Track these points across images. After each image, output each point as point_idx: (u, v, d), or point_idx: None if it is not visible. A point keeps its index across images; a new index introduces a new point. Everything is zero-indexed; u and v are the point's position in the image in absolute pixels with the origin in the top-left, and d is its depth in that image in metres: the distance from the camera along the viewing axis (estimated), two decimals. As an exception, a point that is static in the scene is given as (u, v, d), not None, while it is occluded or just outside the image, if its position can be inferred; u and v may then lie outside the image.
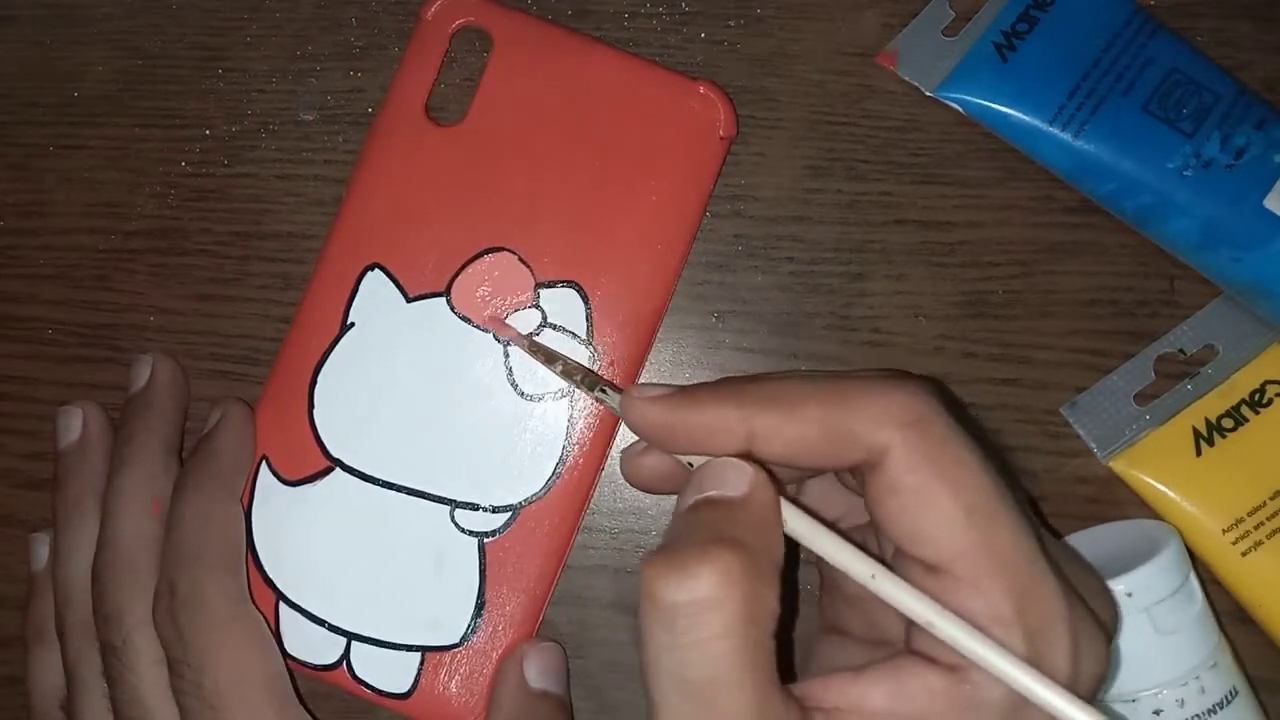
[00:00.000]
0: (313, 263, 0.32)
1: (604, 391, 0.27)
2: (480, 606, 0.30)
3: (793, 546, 0.23)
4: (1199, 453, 0.30)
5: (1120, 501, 0.31)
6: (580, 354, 0.30)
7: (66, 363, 0.33)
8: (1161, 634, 0.27)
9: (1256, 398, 0.30)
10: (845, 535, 0.22)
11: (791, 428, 0.22)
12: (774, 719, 0.20)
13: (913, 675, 0.21)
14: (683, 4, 0.33)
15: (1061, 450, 0.31)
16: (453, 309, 0.31)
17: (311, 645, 0.30)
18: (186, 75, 0.34)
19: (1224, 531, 0.30)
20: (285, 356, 0.31)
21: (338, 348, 0.31)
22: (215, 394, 0.32)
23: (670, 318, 0.32)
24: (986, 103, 0.31)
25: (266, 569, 0.30)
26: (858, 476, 0.23)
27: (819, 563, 0.26)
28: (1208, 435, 0.30)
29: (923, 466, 0.21)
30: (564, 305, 0.30)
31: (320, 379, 0.31)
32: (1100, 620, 0.22)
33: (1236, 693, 0.28)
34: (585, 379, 0.28)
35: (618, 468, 0.32)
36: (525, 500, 0.30)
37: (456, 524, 0.30)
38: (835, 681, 0.22)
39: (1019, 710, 0.21)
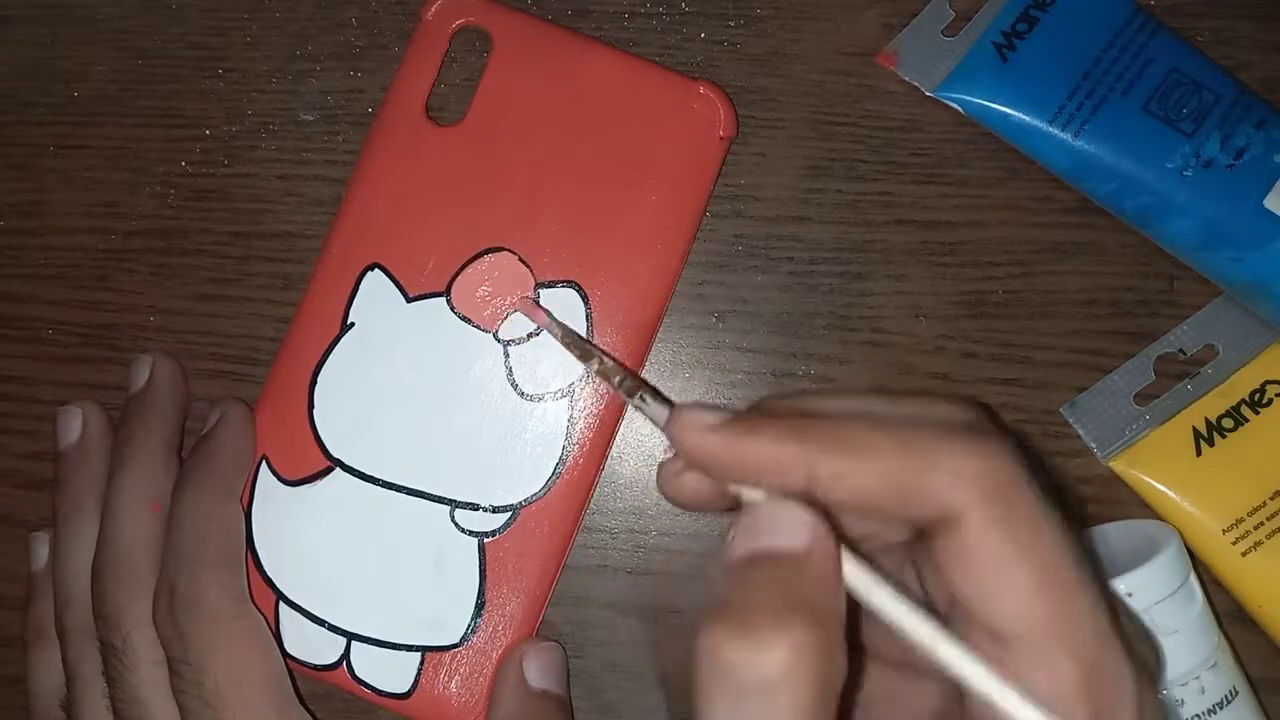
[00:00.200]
0: (313, 263, 0.32)
1: (644, 400, 0.24)
2: (480, 606, 0.30)
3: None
4: (1199, 453, 0.30)
5: (1120, 501, 0.31)
6: None
7: (66, 363, 0.33)
8: (1161, 634, 0.27)
9: (1256, 398, 0.30)
10: (900, 588, 0.21)
11: (859, 475, 0.20)
12: None
13: None
14: (683, 4, 0.33)
15: (1061, 450, 0.31)
16: (453, 309, 0.31)
17: (311, 645, 0.30)
18: (186, 75, 0.34)
19: (1224, 531, 0.30)
20: (285, 356, 0.31)
21: (338, 348, 0.31)
22: (215, 394, 0.32)
23: (670, 318, 0.32)
24: (986, 103, 0.31)
25: (266, 569, 0.30)
26: (920, 527, 0.21)
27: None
28: (1208, 435, 0.30)
29: (1000, 534, 0.19)
30: (564, 305, 0.30)
31: (320, 379, 0.31)
32: (1156, 689, 0.20)
33: (1236, 693, 0.28)
34: (624, 383, 0.25)
35: (617, 468, 0.32)
36: (525, 500, 0.30)
37: (456, 524, 0.30)
38: None
39: None
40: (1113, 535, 0.30)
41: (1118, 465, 0.31)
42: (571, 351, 0.28)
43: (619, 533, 0.32)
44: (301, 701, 0.29)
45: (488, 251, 0.31)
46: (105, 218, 0.33)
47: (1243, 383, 0.30)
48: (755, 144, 0.32)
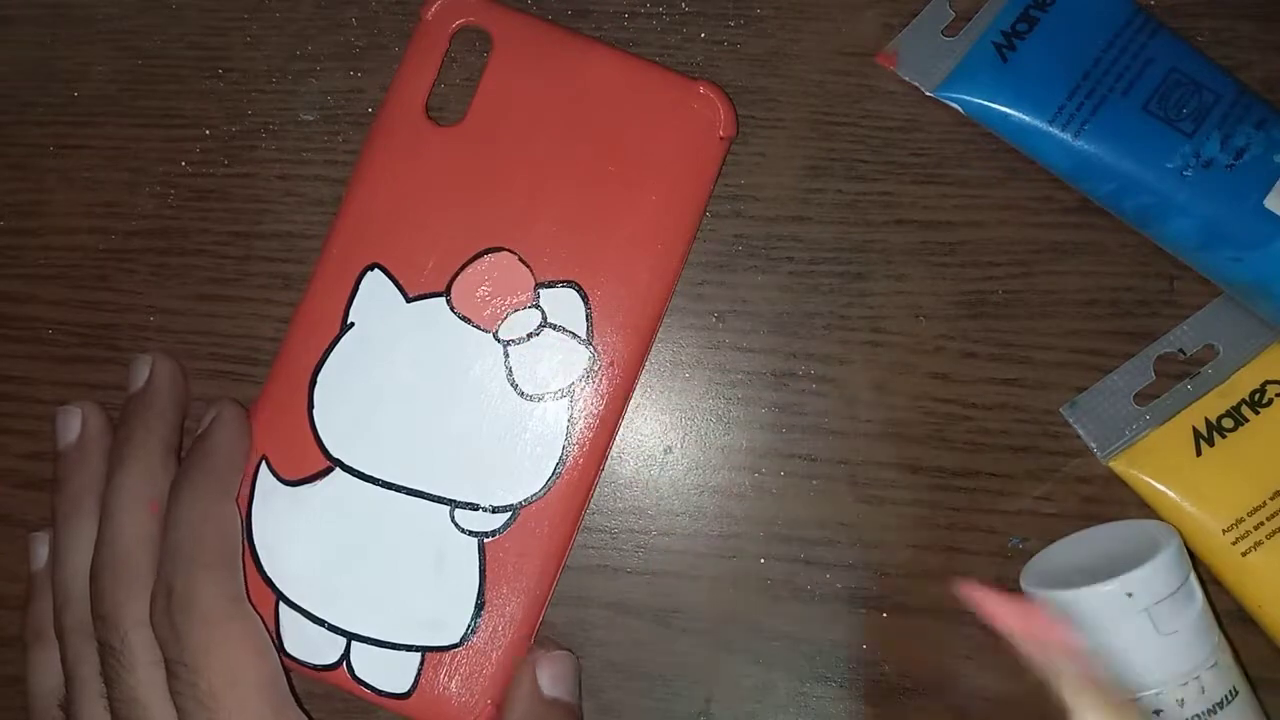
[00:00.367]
0: (313, 263, 0.32)
1: None
2: (480, 607, 0.30)
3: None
4: (1199, 453, 0.30)
5: (1120, 501, 0.31)
6: (580, 354, 0.30)
7: (66, 363, 0.33)
8: (1161, 634, 0.27)
9: (1257, 398, 0.30)
10: None
11: None
12: None
13: None
14: (683, 4, 0.33)
15: (1061, 450, 0.31)
16: (452, 309, 0.31)
17: (311, 645, 0.30)
18: (186, 75, 0.34)
19: (1224, 531, 0.30)
20: (285, 356, 0.31)
21: (337, 347, 0.31)
22: (215, 394, 0.32)
23: (670, 318, 0.32)
24: (986, 103, 0.31)
25: (266, 569, 0.30)
26: None
27: None
28: (1208, 435, 0.30)
29: None
30: (564, 305, 0.30)
31: (320, 379, 0.31)
32: None
33: (1236, 693, 0.28)
34: None
35: (618, 467, 0.32)
36: (525, 500, 0.30)
37: (456, 524, 0.30)
38: None
39: None
40: (1113, 535, 0.30)
41: (1118, 465, 0.31)
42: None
43: (619, 533, 0.32)
44: (299, 702, 0.29)
45: (487, 251, 0.31)
46: (105, 218, 0.33)
47: (1243, 383, 0.30)
48: (755, 144, 0.32)
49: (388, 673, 0.30)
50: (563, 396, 0.30)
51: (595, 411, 0.30)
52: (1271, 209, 0.29)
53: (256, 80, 0.34)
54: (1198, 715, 0.27)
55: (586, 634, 0.32)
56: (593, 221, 0.30)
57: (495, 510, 0.30)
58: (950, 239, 0.32)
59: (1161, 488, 0.30)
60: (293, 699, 0.29)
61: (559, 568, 0.31)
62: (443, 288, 0.31)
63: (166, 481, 0.30)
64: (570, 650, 0.31)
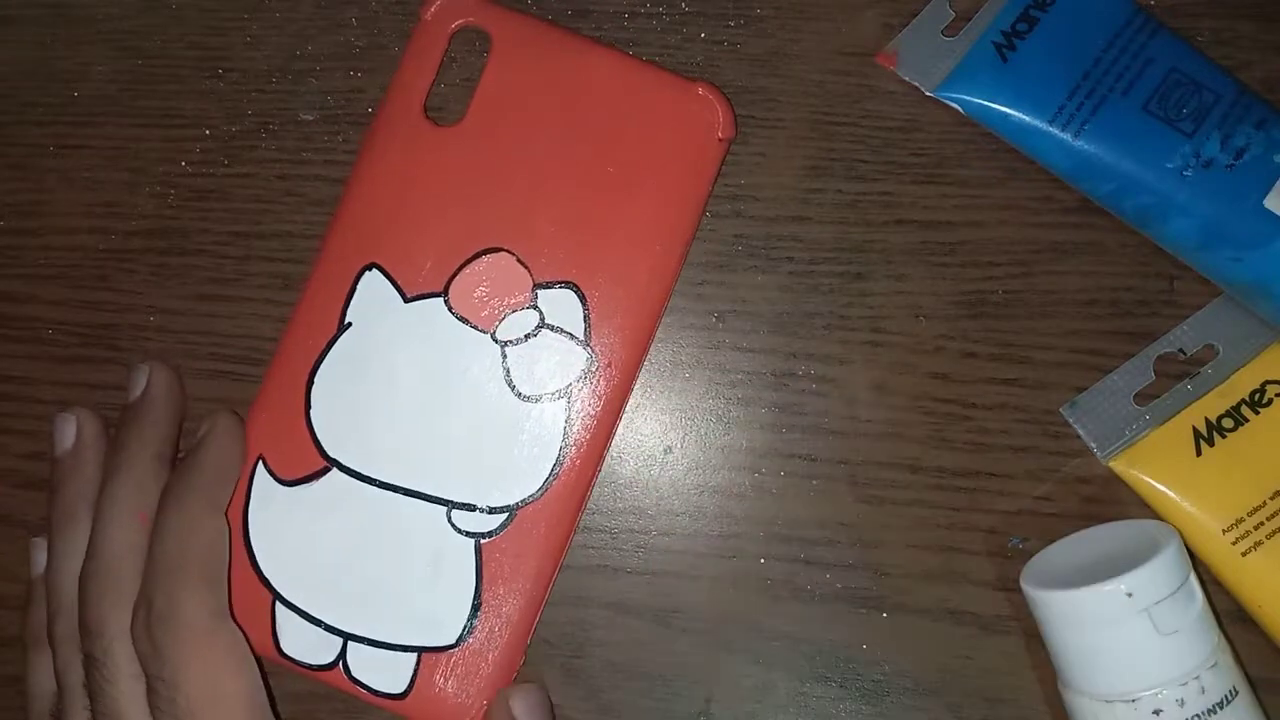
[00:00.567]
0: (312, 263, 0.32)
1: None
2: (477, 607, 0.30)
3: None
4: (1199, 453, 0.30)
5: (1120, 501, 0.31)
6: (578, 355, 0.30)
7: (66, 363, 0.33)
8: (1161, 634, 0.27)
9: (1256, 398, 0.30)
10: None
11: None
12: None
13: None
14: (683, 4, 0.33)
15: (1061, 450, 0.31)
16: (450, 310, 0.31)
17: (308, 645, 0.30)
18: (186, 75, 0.34)
19: (1224, 531, 0.30)
20: (282, 356, 0.31)
21: (335, 348, 0.31)
22: (215, 394, 0.33)
23: (670, 318, 0.32)
24: (986, 103, 0.31)
25: (263, 568, 0.30)
26: None
27: None
28: (1208, 435, 0.30)
29: None
30: (562, 306, 0.30)
31: (317, 379, 0.31)
32: None
33: (1236, 693, 0.28)
34: None
35: (617, 467, 0.32)
36: (522, 501, 0.30)
37: (453, 525, 0.30)
38: None
39: None
40: (1113, 535, 0.30)
41: (1118, 465, 0.31)
42: None
43: (619, 533, 0.32)
44: (278, 718, 0.29)
45: (486, 252, 0.31)
46: (105, 218, 0.34)
47: (1243, 383, 0.30)
48: (755, 144, 0.32)
49: (384, 673, 0.30)
50: (560, 397, 0.30)
51: (593, 413, 0.30)
52: (1271, 209, 0.29)
53: (256, 80, 0.34)
54: (1198, 715, 0.27)
55: (586, 634, 0.32)
56: (591, 222, 0.30)
57: (492, 511, 0.30)
58: (950, 239, 0.32)
59: (1161, 488, 0.30)
60: (273, 715, 0.28)
61: (556, 568, 0.31)
62: (441, 288, 0.31)
63: (157, 492, 0.30)
64: (539, 683, 0.30)
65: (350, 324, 0.31)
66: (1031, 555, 0.30)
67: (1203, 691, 0.27)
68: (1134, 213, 0.31)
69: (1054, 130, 0.30)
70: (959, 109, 0.31)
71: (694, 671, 0.31)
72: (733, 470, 0.32)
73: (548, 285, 0.30)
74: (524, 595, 0.30)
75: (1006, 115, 0.31)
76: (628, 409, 0.32)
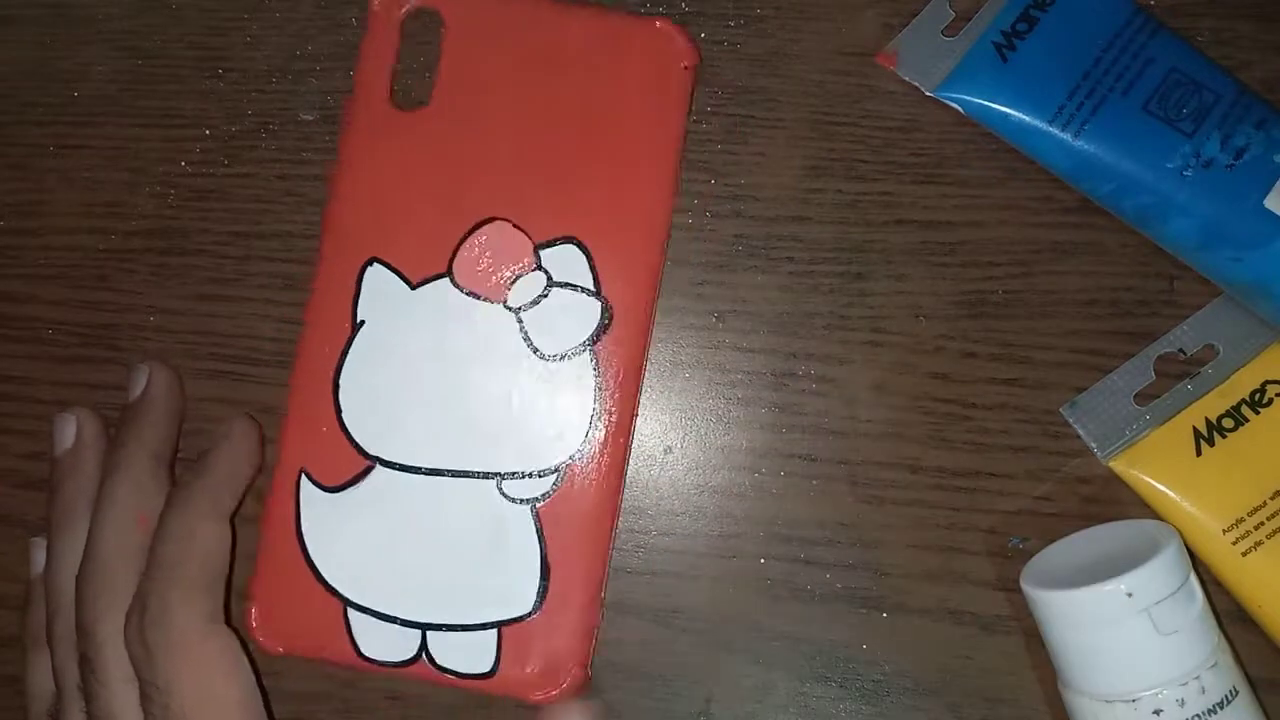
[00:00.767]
0: (312, 263, 0.32)
1: None
2: (546, 571, 0.30)
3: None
4: (1199, 453, 0.30)
5: (1120, 501, 0.31)
6: (592, 306, 0.30)
7: (66, 363, 0.33)
8: (1161, 634, 0.27)
9: (1257, 398, 0.30)
10: None
11: None
12: None
13: None
14: (683, 4, 0.33)
15: (1061, 450, 0.31)
16: (458, 287, 0.31)
17: (387, 644, 0.30)
18: (186, 75, 0.34)
19: (1224, 531, 0.30)
20: (302, 366, 0.31)
21: (353, 348, 0.31)
22: (215, 394, 0.33)
23: (670, 318, 0.32)
24: (986, 103, 0.31)
25: (326, 577, 0.30)
26: None
27: None
28: (1208, 435, 0.30)
29: None
30: (566, 261, 0.31)
31: (342, 381, 0.31)
32: None
33: (1236, 693, 0.28)
34: None
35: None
36: (569, 458, 0.30)
37: (506, 495, 0.30)
38: None
39: None
40: (1113, 535, 0.30)
41: (1118, 465, 0.31)
42: None
43: (619, 532, 0.32)
44: None
45: (481, 224, 0.31)
46: (105, 218, 0.33)
47: (1243, 383, 0.30)
48: (755, 144, 0.32)
49: (468, 655, 0.30)
50: (584, 350, 0.30)
51: (619, 358, 0.30)
52: (1271, 209, 0.29)
53: (256, 80, 0.34)
54: (1198, 715, 0.27)
55: (586, 634, 0.32)
56: (578, 174, 0.31)
57: (541, 474, 0.30)
58: (950, 239, 0.32)
59: (1161, 488, 0.30)
60: None
61: (615, 518, 0.31)
62: (444, 268, 0.31)
63: (156, 493, 0.30)
64: (598, 703, 0.30)
65: (363, 322, 0.31)
66: (1031, 555, 0.30)
67: (1203, 691, 0.27)
68: (1134, 213, 0.31)
69: (1054, 130, 0.30)
70: (959, 109, 0.31)
71: (694, 671, 0.31)
72: (733, 470, 0.32)
73: (549, 244, 0.31)
74: (589, 550, 0.30)
75: (1006, 115, 0.31)
76: (649, 355, 0.32)
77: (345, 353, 0.31)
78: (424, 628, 0.30)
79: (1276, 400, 0.30)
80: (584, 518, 0.30)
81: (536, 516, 0.30)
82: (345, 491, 0.30)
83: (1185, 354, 0.31)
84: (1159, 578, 0.27)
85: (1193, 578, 0.28)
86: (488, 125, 0.31)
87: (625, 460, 0.31)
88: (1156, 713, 0.27)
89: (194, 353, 0.33)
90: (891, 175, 0.32)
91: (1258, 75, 0.32)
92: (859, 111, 0.32)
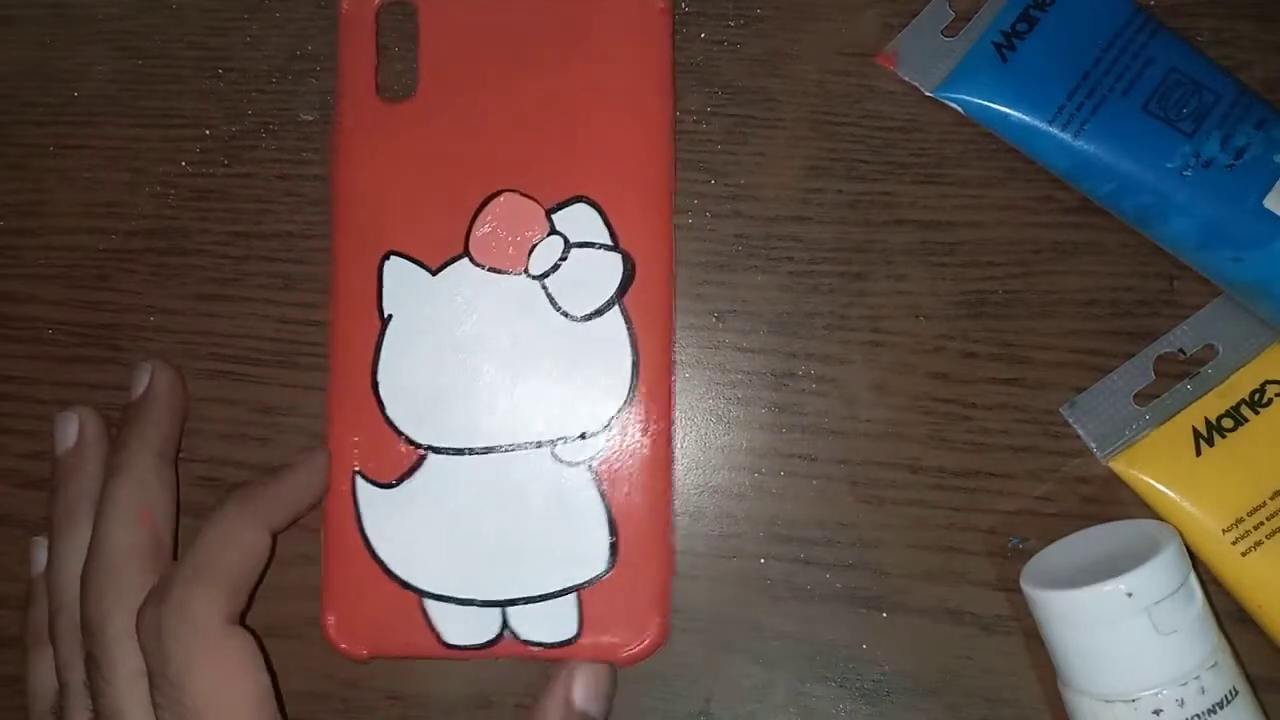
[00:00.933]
0: (313, 262, 0.32)
1: None
2: (613, 528, 0.30)
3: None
4: (1199, 453, 0.30)
5: (1120, 501, 0.31)
6: (613, 261, 0.31)
7: (66, 363, 0.33)
8: (1161, 634, 0.27)
9: (1256, 398, 0.30)
10: None
11: None
12: None
13: None
14: (683, 4, 0.33)
15: (1061, 450, 0.31)
16: (478, 265, 0.31)
17: (470, 628, 0.30)
18: (186, 75, 0.34)
19: (1224, 531, 0.30)
20: (338, 370, 0.31)
21: (385, 343, 0.31)
22: (215, 394, 0.33)
23: (670, 318, 0.32)
24: (986, 103, 0.31)
25: (398, 572, 0.30)
26: None
27: None
28: (1208, 435, 0.30)
29: None
30: (581, 221, 0.31)
31: (380, 378, 0.31)
32: None
33: (1236, 693, 0.28)
34: None
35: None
36: (616, 412, 0.30)
37: (561, 460, 0.30)
38: None
39: None
40: (1113, 535, 0.30)
41: (1118, 465, 0.31)
42: None
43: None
44: None
45: (490, 199, 0.31)
46: (105, 218, 0.33)
47: (1243, 383, 0.30)
48: (755, 144, 0.33)
49: (550, 624, 0.30)
50: (612, 305, 0.31)
51: (648, 306, 0.31)
52: (1271, 209, 0.29)
53: (256, 80, 0.34)
54: (1198, 715, 0.27)
55: (586, 634, 0.32)
56: (575, 133, 0.31)
57: (592, 433, 0.30)
58: (950, 239, 0.32)
59: (1161, 488, 0.30)
60: None
61: (670, 464, 0.31)
62: (461, 249, 0.31)
63: (159, 491, 0.30)
64: (611, 665, 0.30)
65: (391, 316, 0.31)
66: (1031, 555, 0.30)
67: (1203, 691, 0.27)
68: (1134, 213, 0.31)
69: (1054, 130, 0.30)
70: (959, 109, 0.31)
71: (694, 671, 0.31)
72: (733, 470, 0.32)
73: (560, 206, 0.31)
74: (652, 500, 0.30)
75: (1006, 115, 0.31)
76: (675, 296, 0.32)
77: (379, 349, 0.31)
78: (503, 605, 0.30)
79: (1276, 400, 0.30)
80: (642, 468, 0.30)
81: (595, 475, 0.30)
82: (402, 485, 0.30)
83: (1185, 354, 0.31)
84: (1159, 578, 0.27)
85: (1192, 578, 0.28)
86: (477, 102, 0.31)
87: (672, 405, 0.31)
88: (1156, 713, 0.27)
89: (194, 353, 0.33)
90: (891, 175, 0.32)
91: (1258, 75, 0.32)
92: (859, 111, 0.32)
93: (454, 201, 0.31)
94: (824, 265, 0.32)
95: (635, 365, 0.30)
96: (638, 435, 0.30)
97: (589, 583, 0.30)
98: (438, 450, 0.30)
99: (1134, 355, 0.31)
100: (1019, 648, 0.31)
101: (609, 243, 0.31)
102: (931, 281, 0.32)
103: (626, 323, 0.31)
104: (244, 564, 0.29)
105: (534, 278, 0.31)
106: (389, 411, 0.31)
